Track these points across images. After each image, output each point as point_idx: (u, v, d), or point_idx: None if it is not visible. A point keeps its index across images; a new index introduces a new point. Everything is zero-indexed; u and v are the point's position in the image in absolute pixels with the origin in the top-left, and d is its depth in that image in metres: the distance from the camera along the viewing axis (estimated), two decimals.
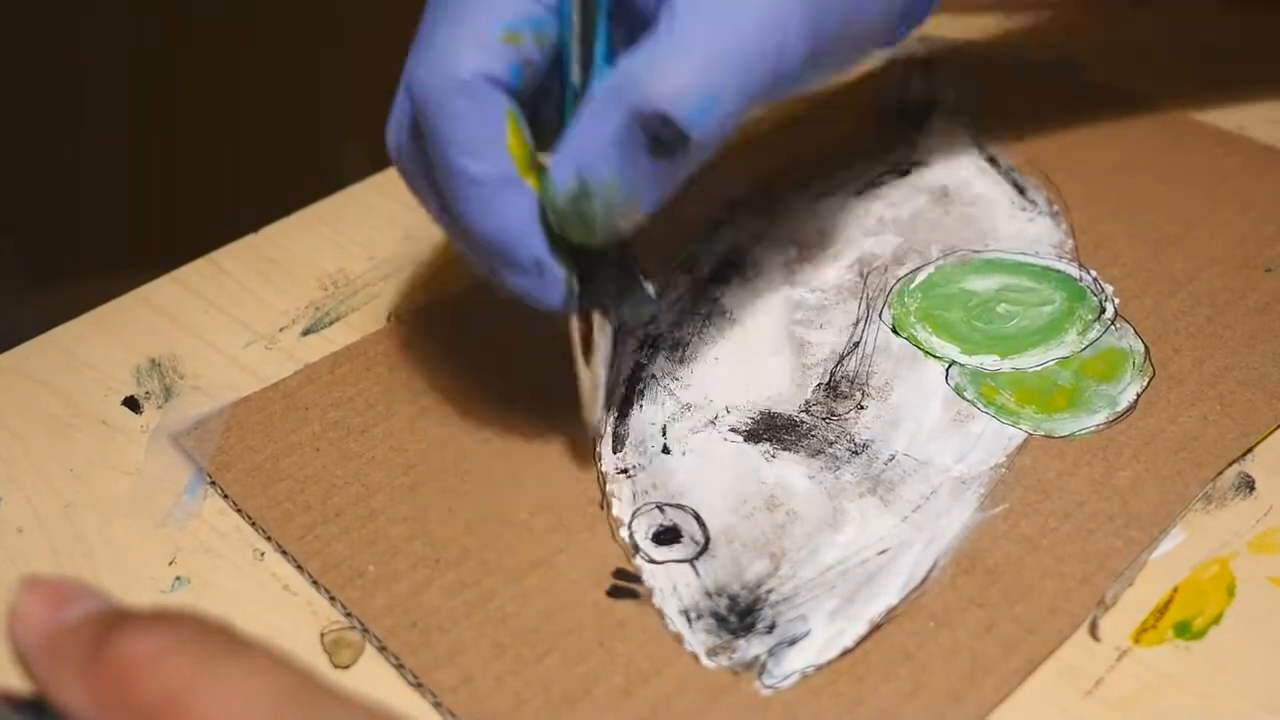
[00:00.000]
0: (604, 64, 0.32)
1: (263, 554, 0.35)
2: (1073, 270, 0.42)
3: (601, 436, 0.35)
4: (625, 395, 0.38)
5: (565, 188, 0.31)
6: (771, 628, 0.31)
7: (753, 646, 0.31)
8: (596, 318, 0.34)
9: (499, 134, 0.31)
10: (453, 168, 0.31)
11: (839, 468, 0.35)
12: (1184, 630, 0.31)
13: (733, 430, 0.37)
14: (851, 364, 0.39)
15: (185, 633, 0.19)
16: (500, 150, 0.31)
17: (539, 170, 0.31)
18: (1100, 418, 0.36)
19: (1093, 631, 0.31)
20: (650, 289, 0.35)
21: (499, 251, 0.32)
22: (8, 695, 0.19)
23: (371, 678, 0.31)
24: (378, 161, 0.51)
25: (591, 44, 0.31)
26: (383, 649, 0.32)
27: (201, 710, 0.17)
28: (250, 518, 0.35)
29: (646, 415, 0.37)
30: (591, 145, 0.30)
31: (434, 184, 0.33)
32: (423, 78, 0.31)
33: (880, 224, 0.45)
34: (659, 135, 0.30)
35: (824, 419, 0.37)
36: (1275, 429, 0.36)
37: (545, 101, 0.33)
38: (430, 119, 0.31)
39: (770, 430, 0.37)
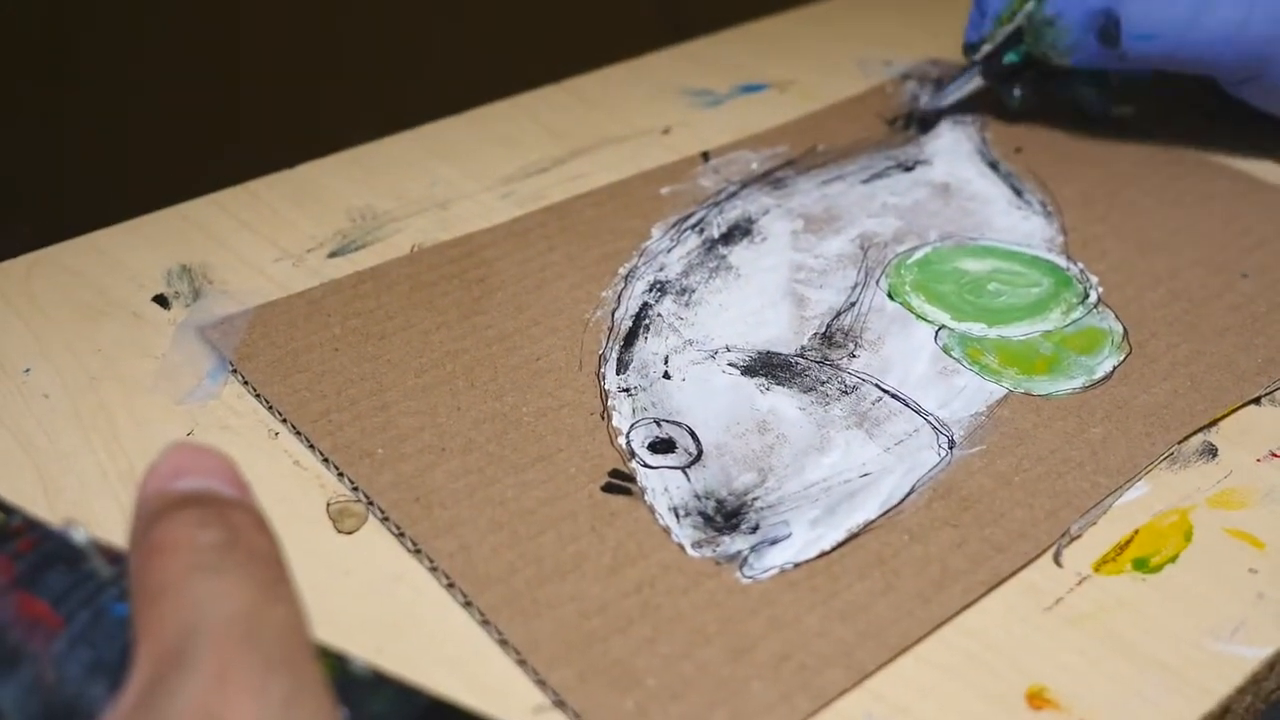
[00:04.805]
0: None
1: (276, 434, 0.36)
2: (1061, 261, 0.44)
3: None
4: (631, 329, 0.40)
5: None
6: (755, 529, 0.33)
7: (736, 543, 0.33)
8: None
9: None
10: None
11: (829, 403, 0.37)
12: (1141, 565, 0.33)
13: (731, 365, 0.39)
14: (847, 320, 0.41)
15: (207, 536, 0.20)
16: None
17: None
18: (1077, 383, 0.39)
19: (1056, 559, 0.33)
20: None
21: None
22: (106, 549, 0.21)
23: (372, 544, 0.33)
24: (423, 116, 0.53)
25: None
26: (385, 519, 0.33)
27: (182, 602, 0.19)
28: (268, 402, 0.37)
29: (650, 346, 0.40)
30: None
31: None
32: None
33: (883, 208, 0.47)
34: None
35: (818, 362, 0.39)
36: (1241, 405, 0.38)
37: None
38: None
39: (767, 368, 0.39)
